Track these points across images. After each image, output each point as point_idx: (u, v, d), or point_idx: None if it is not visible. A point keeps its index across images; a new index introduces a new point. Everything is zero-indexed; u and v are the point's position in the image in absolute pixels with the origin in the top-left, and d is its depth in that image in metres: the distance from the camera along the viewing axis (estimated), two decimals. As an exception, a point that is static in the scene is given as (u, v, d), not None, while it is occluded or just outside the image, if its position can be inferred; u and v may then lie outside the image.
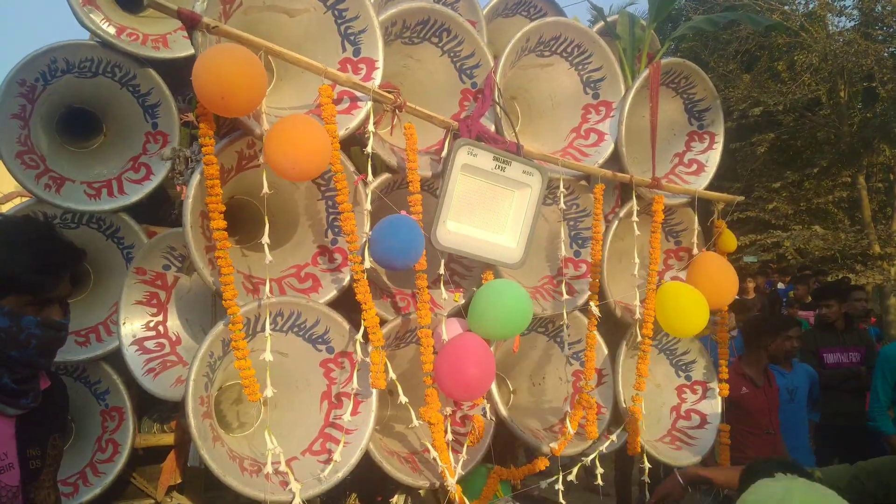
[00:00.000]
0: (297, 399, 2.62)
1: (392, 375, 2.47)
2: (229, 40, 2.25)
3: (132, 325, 2.88)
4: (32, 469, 1.77)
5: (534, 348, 3.27)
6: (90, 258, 3.11)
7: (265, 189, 2.29)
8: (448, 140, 2.71)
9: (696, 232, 3.34)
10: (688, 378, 3.49)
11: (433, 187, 2.79)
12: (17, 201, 3.26)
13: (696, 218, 3.37)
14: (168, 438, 2.86)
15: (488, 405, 2.82)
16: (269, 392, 2.24)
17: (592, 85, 3.21)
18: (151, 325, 2.91)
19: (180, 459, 2.81)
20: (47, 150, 2.93)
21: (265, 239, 2.31)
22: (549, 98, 3.33)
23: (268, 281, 2.34)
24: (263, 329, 2.38)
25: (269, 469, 2.25)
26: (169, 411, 2.97)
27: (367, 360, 2.42)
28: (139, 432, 2.93)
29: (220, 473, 2.17)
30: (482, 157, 2.67)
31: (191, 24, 2.19)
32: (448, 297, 2.71)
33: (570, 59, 3.16)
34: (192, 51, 2.39)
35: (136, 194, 2.95)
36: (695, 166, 3.42)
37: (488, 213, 2.75)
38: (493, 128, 2.89)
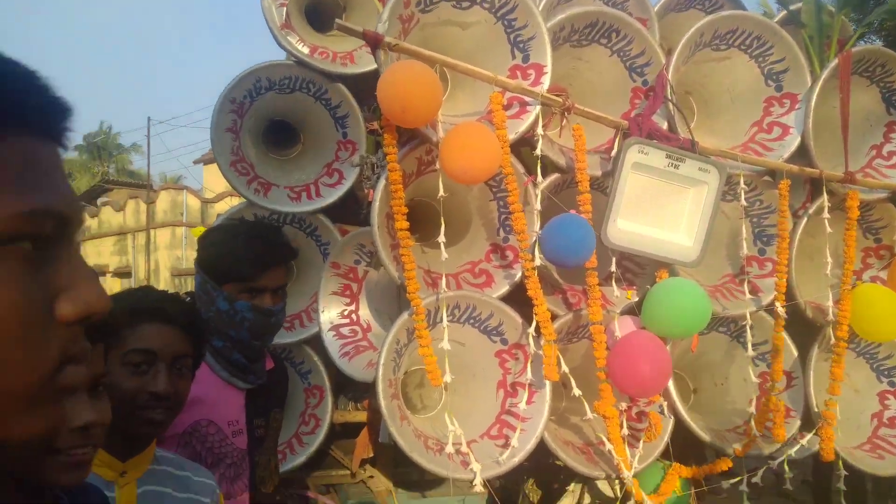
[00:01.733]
0: (475, 386, 2.81)
1: (564, 368, 2.58)
2: (408, 56, 2.47)
3: (330, 313, 3.22)
4: (257, 437, 2.10)
5: (716, 348, 3.21)
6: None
7: (441, 192, 2.49)
8: (618, 139, 2.75)
9: (898, 230, 3.11)
10: (891, 384, 3.25)
11: (603, 186, 2.85)
12: (228, 200, 3.73)
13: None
14: (361, 416, 3.18)
15: (665, 402, 2.84)
16: (448, 378, 2.44)
17: (775, 77, 3.08)
18: (346, 313, 3.24)
19: (372, 435, 3.12)
20: (255, 158, 3.35)
21: (441, 238, 2.51)
22: (728, 92, 3.23)
23: (444, 276, 2.54)
24: (442, 320, 2.60)
25: (450, 449, 2.45)
26: (361, 392, 3.29)
27: (540, 352, 2.55)
28: (336, 409, 3.29)
29: (407, 449, 2.41)
30: (654, 154, 2.68)
31: (374, 43, 2.42)
32: (620, 295, 2.76)
33: (748, 51, 3.05)
34: (375, 65, 2.64)
35: (331, 197, 3.28)
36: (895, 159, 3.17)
37: (662, 211, 2.76)
38: (665, 125, 2.89)
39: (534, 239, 2.59)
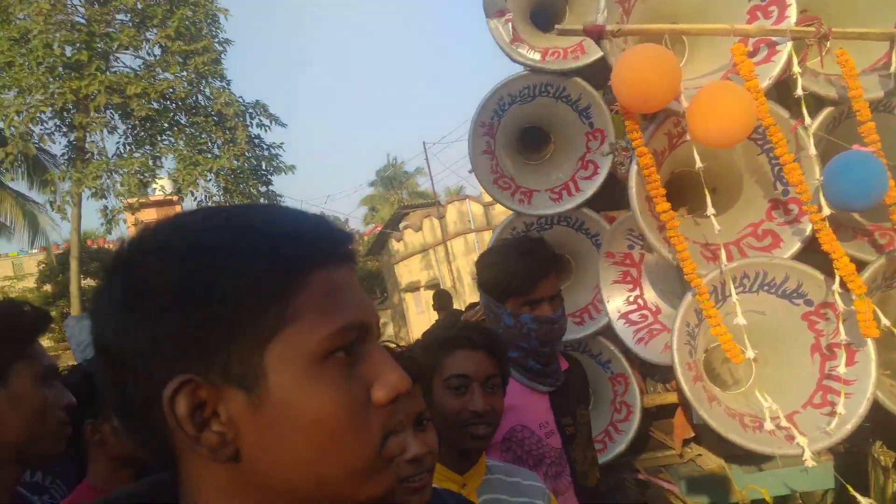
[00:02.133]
0: (786, 355, 2.63)
1: (885, 322, 2.30)
2: (635, 38, 2.42)
3: (615, 303, 3.25)
4: (568, 434, 2.23)
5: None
6: (568, 251, 3.65)
7: (698, 164, 2.38)
8: (895, 51, 2.38)
9: None
10: None
11: (890, 106, 2.47)
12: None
13: None
14: (672, 397, 3.15)
15: None
16: (749, 353, 2.33)
17: None
18: (631, 299, 3.24)
19: (687, 415, 3.07)
20: (514, 170, 3.51)
21: (710, 211, 2.40)
22: None
23: (722, 249, 2.42)
24: (731, 294, 2.48)
25: (768, 426, 2.33)
26: (667, 372, 3.25)
27: (852, 308, 2.31)
28: (646, 393, 3.31)
29: (721, 430, 2.35)
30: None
31: (597, 36, 2.42)
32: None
33: None
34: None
35: (589, 189, 3.31)
36: None
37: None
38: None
39: (815, 187, 2.35)
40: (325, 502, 0.63)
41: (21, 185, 21.69)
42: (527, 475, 1.95)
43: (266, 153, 21.82)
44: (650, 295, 3.22)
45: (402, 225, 26.93)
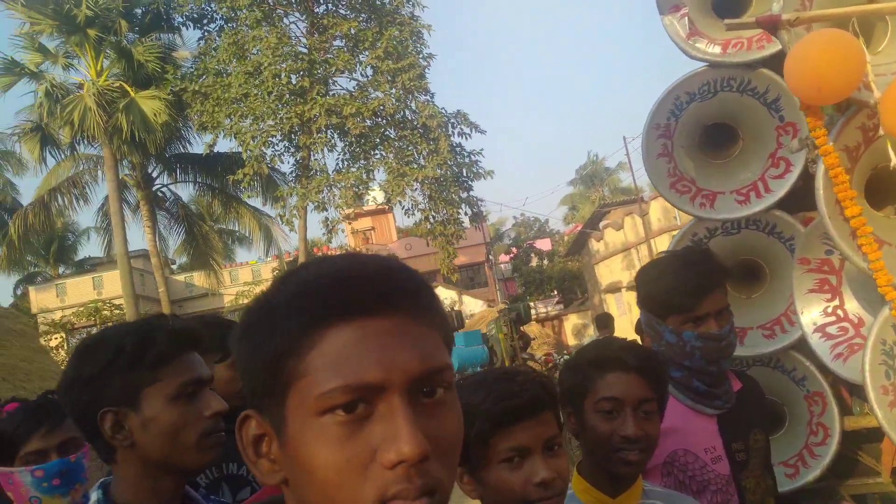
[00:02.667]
0: None
1: None
2: (817, 25, 2.20)
3: (811, 314, 2.96)
4: (739, 461, 2.08)
5: None
6: (760, 256, 3.38)
7: (893, 161, 2.11)
8: None
9: None
10: None
11: None
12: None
13: None
14: (874, 420, 2.81)
15: None
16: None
17: None
18: (829, 310, 2.93)
19: (897, 441, 2.72)
20: (695, 171, 3.33)
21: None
22: None
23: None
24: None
25: None
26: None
27: None
28: (852, 413, 2.97)
29: (926, 466, 2.06)
30: None
31: (772, 27, 2.24)
32: None
33: None
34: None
35: (781, 189, 3.05)
36: None
37: None
38: None
39: None
40: None
41: (257, 202, 24.53)
42: (686, 502, 1.87)
43: (467, 160, 22.60)
44: (852, 305, 2.89)
45: (602, 224, 26.46)
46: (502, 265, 41.07)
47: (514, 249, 39.97)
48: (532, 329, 17.23)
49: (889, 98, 2.01)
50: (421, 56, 22.10)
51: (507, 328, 12.11)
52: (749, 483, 2.08)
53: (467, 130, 22.34)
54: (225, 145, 21.57)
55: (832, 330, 2.89)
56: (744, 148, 3.40)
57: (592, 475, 1.80)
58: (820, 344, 2.89)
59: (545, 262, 38.05)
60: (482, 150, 22.57)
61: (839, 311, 2.91)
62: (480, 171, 22.79)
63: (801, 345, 3.02)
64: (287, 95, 20.29)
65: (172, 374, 1.32)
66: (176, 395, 1.32)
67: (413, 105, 21.83)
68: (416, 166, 21.61)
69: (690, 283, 1.99)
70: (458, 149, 22.49)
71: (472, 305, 28.38)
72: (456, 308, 24.56)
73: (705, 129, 3.42)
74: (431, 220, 22.32)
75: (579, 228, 32.50)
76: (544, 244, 41.97)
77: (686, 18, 3.15)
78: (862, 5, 2.17)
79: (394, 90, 21.31)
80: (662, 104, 3.18)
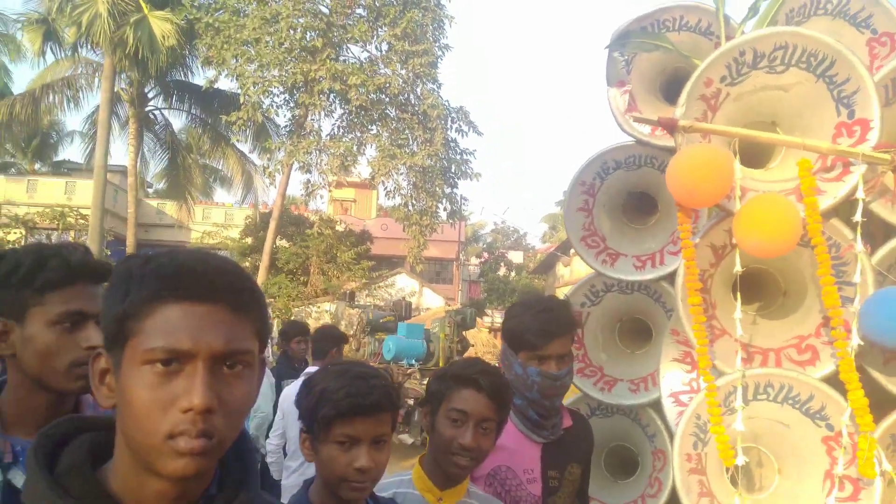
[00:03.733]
0: (804, 472, 2.59)
1: (887, 466, 2.23)
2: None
3: (669, 380, 3.31)
4: (551, 486, 2.42)
5: None
6: (648, 318, 3.73)
7: (737, 267, 2.45)
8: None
9: None
10: None
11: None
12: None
13: None
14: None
15: None
16: (740, 460, 2.36)
17: None
18: (685, 381, 3.27)
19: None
20: (608, 231, 3.66)
21: (737, 314, 2.46)
22: None
23: (738, 352, 2.48)
24: (755, 398, 2.51)
25: (745, 538, 2.36)
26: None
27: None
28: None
29: (699, 528, 2.41)
30: None
31: (671, 129, 2.56)
32: None
33: None
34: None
35: (673, 265, 3.36)
36: None
37: None
38: None
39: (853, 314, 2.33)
40: (148, 460, 0.91)
41: (245, 147, 24.63)
42: None
43: (458, 157, 22.87)
44: (704, 380, 3.24)
45: (571, 251, 26.85)
46: (471, 267, 41.44)
47: (485, 254, 40.36)
48: (480, 336, 17.57)
49: (741, 215, 2.35)
50: (437, 45, 22.30)
51: (450, 330, 12.43)
52: (554, 508, 2.42)
53: (465, 128, 22.63)
54: (226, 84, 21.54)
55: (684, 398, 3.24)
56: (659, 220, 3.73)
57: (430, 468, 2.13)
58: (671, 408, 3.23)
59: (513, 273, 38.49)
60: (475, 150, 22.83)
61: (694, 384, 3.26)
62: (469, 170, 23.10)
63: (658, 405, 3.37)
64: (297, 50, 20.39)
65: (57, 302, 1.45)
66: (56, 320, 1.45)
67: (419, 91, 22.05)
68: (407, 151, 21.85)
69: (542, 327, 2.31)
70: (452, 144, 22.77)
71: (432, 300, 28.71)
72: (413, 299, 24.80)
73: (630, 195, 3.75)
74: (410, 207, 22.58)
75: (552, 249, 32.95)
76: (517, 256, 42.41)
77: (628, 94, 3.47)
78: (748, 130, 2.50)
79: (403, 71, 21.50)
80: (591, 165, 3.50)
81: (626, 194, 3.74)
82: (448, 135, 22.39)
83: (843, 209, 2.56)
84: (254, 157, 25.01)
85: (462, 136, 22.60)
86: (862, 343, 2.30)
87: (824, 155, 2.44)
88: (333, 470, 1.66)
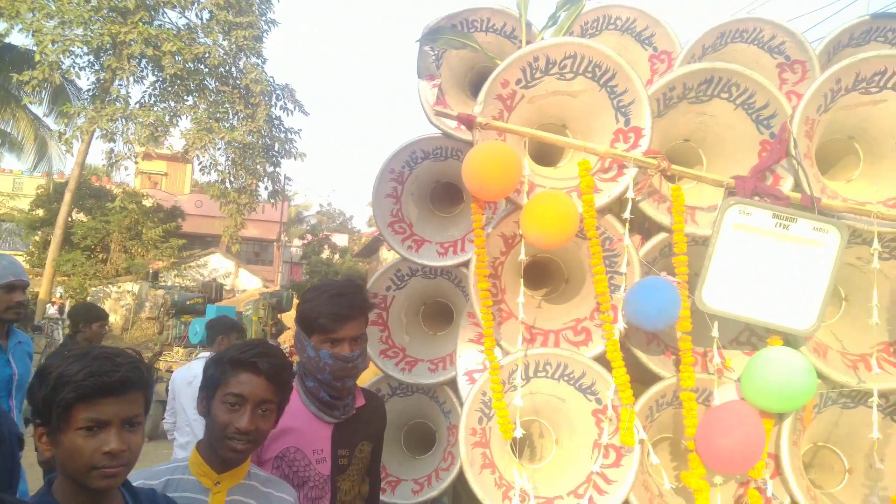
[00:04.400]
0: (577, 442, 2.87)
1: (642, 435, 2.55)
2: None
3: (464, 360, 3.50)
4: (340, 465, 2.47)
5: (866, 425, 2.85)
6: (451, 302, 3.91)
7: (522, 256, 2.66)
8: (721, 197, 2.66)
9: None
10: None
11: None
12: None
13: None
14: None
15: (770, 482, 2.61)
16: (518, 432, 2.58)
17: (941, 117, 2.68)
18: (480, 360, 3.48)
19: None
20: (416, 218, 3.78)
21: (520, 298, 2.67)
22: (891, 136, 2.88)
23: (520, 334, 2.69)
24: (536, 375, 2.74)
25: (516, 502, 2.58)
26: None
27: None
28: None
29: (480, 496, 2.60)
30: (758, 215, 2.54)
31: (468, 125, 2.70)
32: (720, 362, 2.63)
33: (906, 91, 2.71)
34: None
35: (472, 252, 3.57)
36: None
37: (773, 275, 2.58)
38: (791, 181, 2.69)
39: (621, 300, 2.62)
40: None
41: (39, 110, 22.17)
42: (282, 488, 2.19)
43: (282, 136, 22.24)
44: (498, 360, 3.47)
45: (394, 237, 27.17)
46: (294, 249, 40.59)
47: (309, 236, 39.70)
48: (298, 318, 17.36)
49: (526, 209, 2.55)
50: (264, 19, 21.47)
51: (265, 312, 12.13)
52: (344, 485, 2.47)
53: (290, 106, 22.04)
54: (19, 39, 19.19)
55: (477, 377, 3.44)
56: (463, 209, 3.92)
57: (206, 452, 2.08)
58: (464, 386, 3.43)
59: (336, 256, 38.23)
60: (301, 130, 22.29)
61: (487, 363, 3.48)
62: (294, 150, 22.54)
63: (454, 383, 3.55)
64: (106, 10, 18.69)
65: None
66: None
67: (241, 64, 21.11)
68: (226, 125, 20.87)
69: (335, 310, 2.34)
70: (276, 122, 22.08)
71: (249, 281, 27.76)
72: (228, 280, 23.83)
73: (437, 184, 3.91)
74: (228, 184, 21.63)
75: (377, 233, 33.12)
76: (342, 239, 42.15)
77: (438, 88, 3.60)
78: (536, 131, 2.71)
79: (225, 43, 20.47)
80: (400, 154, 3.60)
81: (434, 183, 3.89)
82: (272, 112, 21.66)
83: (618, 207, 2.86)
84: (49, 121, 22.59)
85: (287, 114, 21.99)
86: (626, 326, 2.59)
87: (602, 157, 2.69)
88: (79, 459, 1.55)
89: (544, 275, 3.36)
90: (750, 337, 2.85)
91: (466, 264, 3.57)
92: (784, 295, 2.57)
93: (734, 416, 2.42)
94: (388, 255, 27.65)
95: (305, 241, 39.39)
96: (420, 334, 3.97)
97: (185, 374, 5.43)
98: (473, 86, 3.92)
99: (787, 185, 2.70)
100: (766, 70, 3.12)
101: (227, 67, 20.90)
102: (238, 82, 20.88)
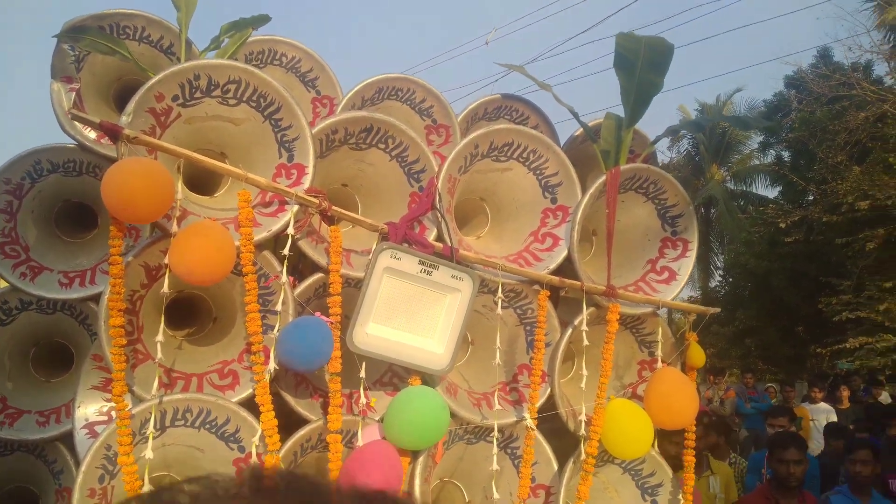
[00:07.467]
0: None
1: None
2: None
3: (87, 409, 3.02)
4: None
5: (486, 459, 3.15)
6: (72, 343, 3.36)
7: (165, 288, 2.40)
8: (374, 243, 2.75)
9: (660, 344, 3.15)
10: (654, 503, 3.22)
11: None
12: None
13: (664, 329, 3.19)
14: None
15: (406, 517, 2.72)
16: (146, 489, 2.27)
17: (550, 189, 3.18)
18: (105, 410, 3.04)
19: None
20: (33, 241, 3.20)
21: (159, 337, 2.41)
22: (513, 201, 3.32)
23: (157, 378, 2.42)
24: (173, 424, 2.46)
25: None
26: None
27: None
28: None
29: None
30: (407, 260, 2.68)
31: (113, 135, 2.38)
32: (365, 402, 2.68)
33: (526, 163, 3.15)
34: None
35: (105, 284, 3.13)
36: (666, 274, 3.25)
37: (415, 318, 2.73)
38: (434, 232, 2.91)
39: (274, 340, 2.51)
40: None
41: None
42: None
43: None
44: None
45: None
46: None
47: None
48: None
49: (177, 240, 2.31)
50: None
51: None
52: None
53: None
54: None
55: (99, 429, 2.98)
56: (97, 235, 3.43)
57: None
58: (83, 441, 2.94)
59: None
60: None
61: (113, 412, 3.04)
62: None
63: (69, 439, 3.03)
64: None
65: None
66: None
67: None
68: None
69: None
70: None
71: None
72: None
73: (67, 203, 3.37)
74: None
75: None
76: None
77: (76, 93, 3.14)
78: (197, 155, 2.51)
79: None
80: (20, 161, 3.03)
81: (62, 202, 3.36)
82: None
83: (272, 244, 2.77)
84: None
85: None
86: (277, 367, 2.48)
87: (264, 190, 2.59)
88: None
89: (189, 312, 3.09)
90: (392, 378, 2.96)
91: (96, 298, 3.13)
92: (424, 337, 2.73)
93: (376, 455, 2.46)
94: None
95: None
96: (28, 381, 3.33)
97: None
98: (119, 99, 3.51)
99: (431, 235, 2.91)
100: (417, 129, 3.38)
101: None
102: None
